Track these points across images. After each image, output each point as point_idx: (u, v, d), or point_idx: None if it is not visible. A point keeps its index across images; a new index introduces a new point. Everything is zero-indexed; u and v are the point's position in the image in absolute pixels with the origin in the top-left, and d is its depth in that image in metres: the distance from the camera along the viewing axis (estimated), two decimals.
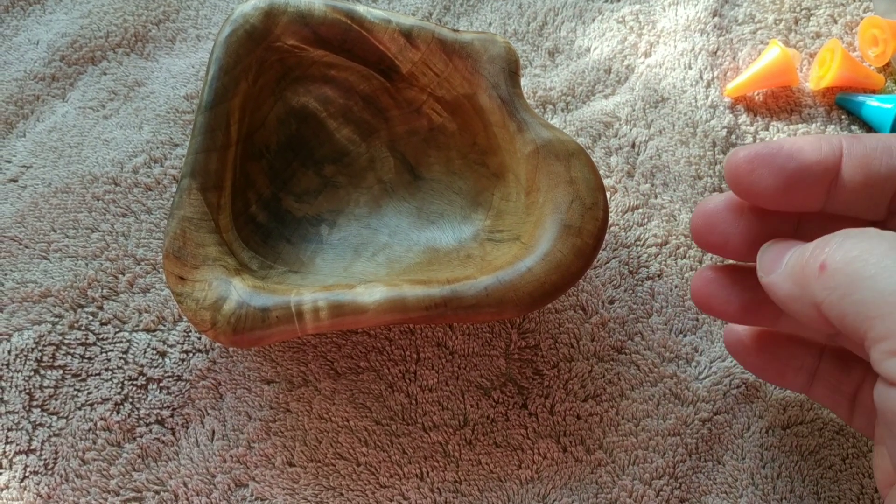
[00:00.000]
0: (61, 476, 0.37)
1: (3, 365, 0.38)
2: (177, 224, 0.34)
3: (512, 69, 0.36)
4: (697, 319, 0.40)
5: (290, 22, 0.37)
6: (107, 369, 0.38)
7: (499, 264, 0.33)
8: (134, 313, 0.40)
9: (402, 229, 0.39)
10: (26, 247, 0.41)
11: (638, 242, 0.41)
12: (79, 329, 0.39)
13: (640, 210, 0.42)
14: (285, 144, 0.40)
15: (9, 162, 0.44)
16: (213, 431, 0.37)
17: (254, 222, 0.38)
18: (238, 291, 0.32)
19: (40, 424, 0.37)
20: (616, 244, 0.41)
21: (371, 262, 0.37)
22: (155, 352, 0.39)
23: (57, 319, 0.39)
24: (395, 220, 0.39)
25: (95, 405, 0.38)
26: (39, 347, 0.39)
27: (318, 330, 0.32)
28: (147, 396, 0.38)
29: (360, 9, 0.37)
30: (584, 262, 0.33)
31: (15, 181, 0.43)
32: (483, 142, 0.38)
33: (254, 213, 0.38)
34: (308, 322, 0.31)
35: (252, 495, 0.36)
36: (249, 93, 0.37)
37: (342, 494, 0.36)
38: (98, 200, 0.42)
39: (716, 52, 0.47)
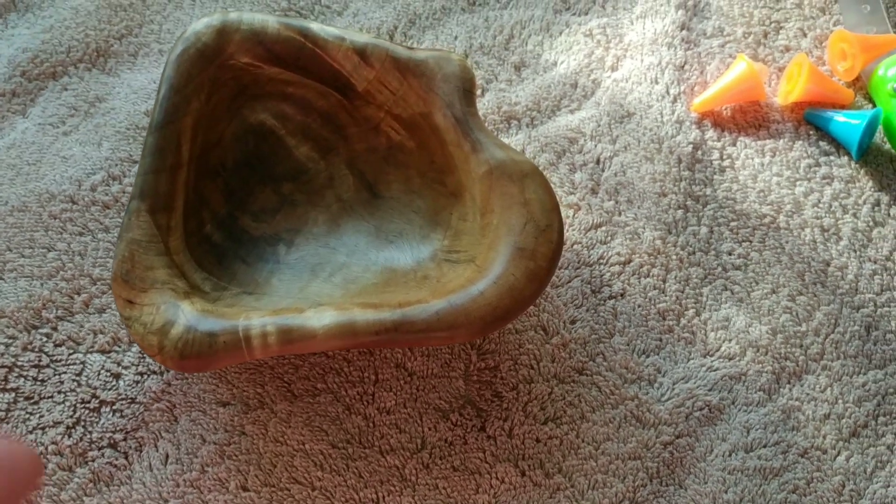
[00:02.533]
0: None
1: None
2: (125, 247, 0.33)
3: (467, 87, 0.36)
4: (661, 340, 0.39)
5: (243, 40, 0.36)
6: (59, 392, 0.38)
7: (452, 287, 0.33)
8: (89, 334, 0.39)
9: (360, 249, 0.38)
10: None
11: (601, 261, 0.41)
12: (32, 351, 0.38)
13: (604, 228, 0.42)
14: (242, 162, 0.39)
15: None
16: (167, 455, 0.37)
17: (208, 242, 0.37)
18: (186, 315, 0.31)
19: None
20: (578, 262, 0.41)
21: (327, 283, 0.37)
22: (109, 373, 0.38)
23: (10, 341, 0.39)
24: (354, 239, 0.39)
25: (47, 429, 0.37)
26: None
27: (266, 355, 0.31)
28: (100, 419, 0.37)
29: (314, 26, 0.37)
30: (537, 286, 0.32)
31: None
32: (440, 160, 0.38)
33: (209, 233, 0.37)
34: (256, 347, 0.31)
35: None
36: (202, 111, 0.36)
37: None
38: (55, 219, 0.42)
39: (683, 66, 0.46)
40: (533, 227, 0.33)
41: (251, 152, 0.39)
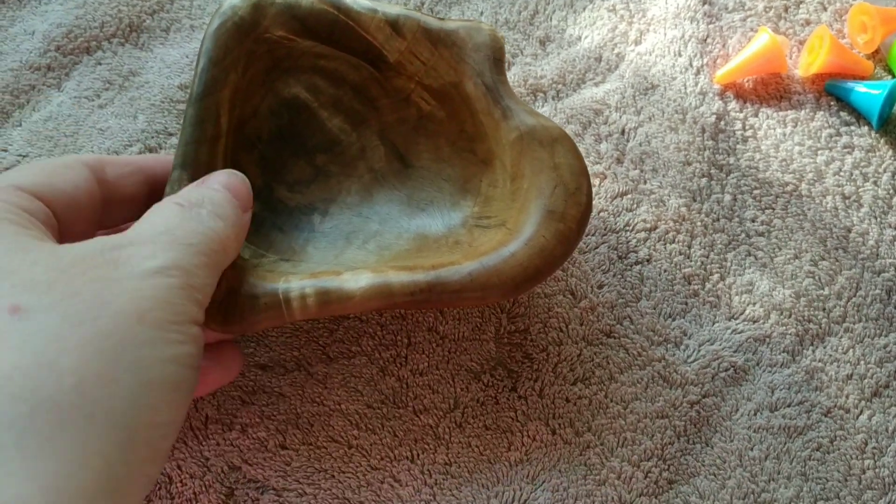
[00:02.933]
0: None
1: None
2: None
3: (497, 56, 0.37)
4: (686, 304, 0.40)
5: (277, 14, 0.37)
6: None
7: (484, 250, 0.34)
8: None
9: (392, 217, 0.39)
10: None
11: (627, 228, 0.42)
12: None
13: (630, 196, 0.43)
14: (277, 135, 0.40)
15: (5, 151, 0.44)
16: (207, 416, 0.38)
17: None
18: (228, 279, 0.32)
19: None
20: (605, 229, 0.42)
21: (361, 250, 0.38)
22: None
23: None
24: (386, 208, 0.39)
25: None
26: None
27: (305, 316, 0.32)
28: None
29: None
30: (567, 247, 0.33)
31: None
32: (471, 129, 0.38)
33: None
34: (296, 309, 0.32)
35: (245, 478, 0.37)
36: (239, 84, 0.37)
37: (334, 476, 0.36)
38: None
39: (705, 40, 0.47)
40: (562, 190, 0.34)
41: (285, 125, 0.40)
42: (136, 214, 0.32)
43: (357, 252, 0.38)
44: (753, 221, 0.42)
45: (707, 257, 0.41)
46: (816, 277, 0.41)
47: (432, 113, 0.39)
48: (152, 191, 0.35)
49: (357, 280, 0.32)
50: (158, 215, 0.29)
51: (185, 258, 0.27)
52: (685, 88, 0.46)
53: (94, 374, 0.23)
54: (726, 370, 0.39)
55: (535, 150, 0.35)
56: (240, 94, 0.37)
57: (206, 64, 0.35)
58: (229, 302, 0.32)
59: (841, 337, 0.40)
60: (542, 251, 0.33)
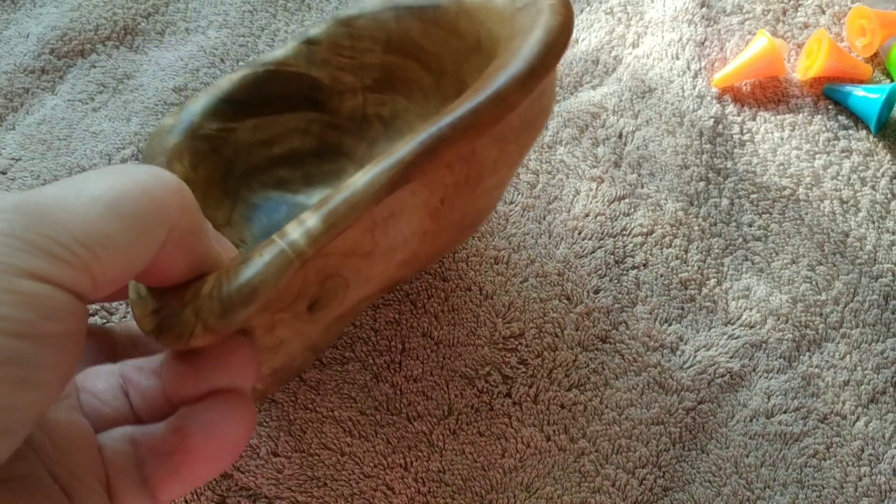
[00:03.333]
0: None
1: None
2: None
3: None
4: (682, 309, 0.40)
5: (206, 108, 0.36)
6: None
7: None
8: (121, 304, 0.40)
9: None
10: None
11: (624, 232, 0.42)
12: None
13: (627, 200, 0.42)
14: (262, 235, 0.37)
15: None
16: None
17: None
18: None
19: None
20: (602, 233, 0.41)
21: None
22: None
23: None
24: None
25: None
26: None
27: (317, 245, 0.24)
28: None
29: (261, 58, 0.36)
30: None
31: (4, 174, 0.43)
32: (435, 48, 0.36)
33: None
34: (301, 243, 0.24)
35: (237, 485, 0.36)
36: (190, 178, 0.34)
37: (326, 484, 0.36)
38: None
39: (703, 43, 0.47)
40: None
41: (266, 226, 0.37)
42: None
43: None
44: (751, 226, 0.42)
45: (704, 262, 0.41)
46: (814, 282, 0.41)
47: (393, 109, 0.38)
48: None
49: (363, 175, 0.25)
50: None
51: (37, 197, 0.21)
52: (683, 92, 0.45)
53: None
54: (722, 376, 0.38)
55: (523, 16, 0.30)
56: (198, 191, 0.35)
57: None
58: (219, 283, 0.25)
59: (838, 343, 0.39)
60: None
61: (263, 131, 0.37)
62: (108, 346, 0.31)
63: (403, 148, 0.25)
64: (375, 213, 0.25)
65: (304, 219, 0.24)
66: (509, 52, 0.28)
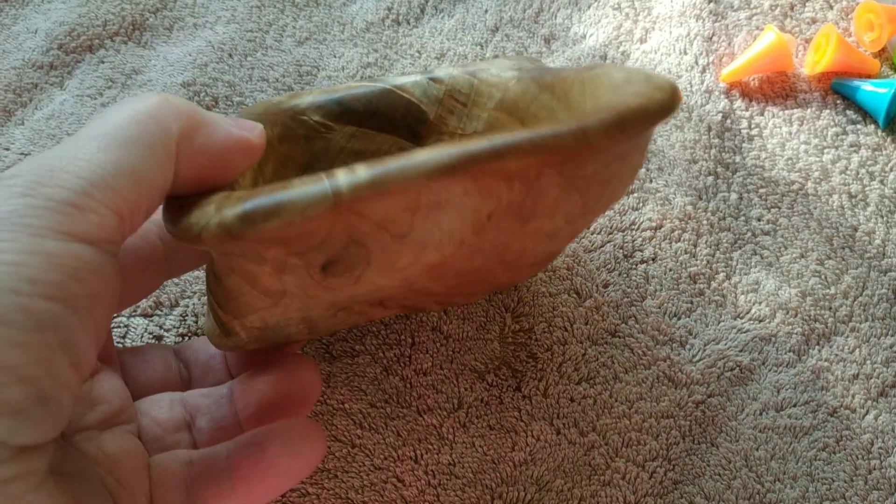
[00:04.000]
0: None
1: None
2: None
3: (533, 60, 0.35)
4: (691, 303, 0.40)
5: (314, 102, 0.36)
6: None
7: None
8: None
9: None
10: None
11: (632, 226, 0.42)
12: None
13: (635, 194, 0.42)
14: None
15: (7, 150, 0.44)
16: None
17: None
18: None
19: None
20: (611, 228, 0.42)
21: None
22: (152, 336, 0.39)
23: None
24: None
25: None
26: None
27: (357, 194, 0.23)
28: None
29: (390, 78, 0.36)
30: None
31: None
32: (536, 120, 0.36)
33: None
34: (344, 187, 0.23)
35: None
36: (272, 141, 0.34)
37: (337, 476, 0.36)
38: None
39: (711, 38, 0.47)
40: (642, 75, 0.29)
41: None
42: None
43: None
44: (759, 220, 0.42)
45: (713, 256, 0.41)
46: (822, 276, 0.41)
47: None
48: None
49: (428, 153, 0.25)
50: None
51: (42, 154, 0.22)
52: (691, 87, 0.45)
53: None
54: (731, 370, 0.38)
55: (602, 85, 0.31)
56: (274, 158, 0.35)
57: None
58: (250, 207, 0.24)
59: (847, 336, 0.40)
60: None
61: (358, 142, 0.37)
62: (172, 368, 0.32)
63: (473, 142, 0.24)
64: (423, 194, 0.25)
65: (355, 168, 0.24)
66: (606, 107, 0.27)
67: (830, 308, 0.40)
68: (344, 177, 0.23)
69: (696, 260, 0.41)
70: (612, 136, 0.25)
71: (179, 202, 0.25)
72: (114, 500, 0.25)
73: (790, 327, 0.40)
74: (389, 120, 0.37)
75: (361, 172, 0.23)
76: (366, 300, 0.31)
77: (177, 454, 0.28)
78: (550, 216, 0.29)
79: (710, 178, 0.43)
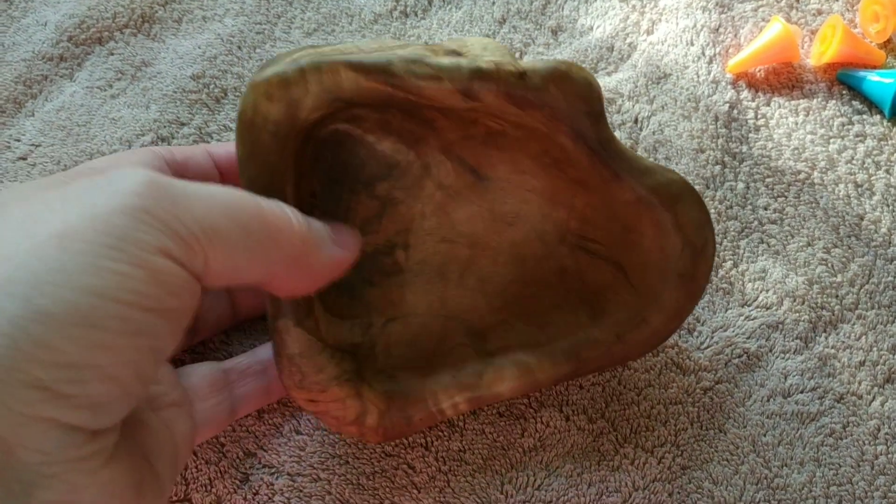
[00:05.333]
0: None
1: None
2: (288, 363, 0.32)
3: (595, 109, 0.31)
4: None
5: (315, 105, 0.30)
6: None
7: (598, 287, 0.35)
8: None
9: (479, 237, 0.36)
10: None
11: None
12: None
13: None
14: (328, 180, 0.35)
15: (18, 140, 0.44)
16: None
17: (335, 286, 0.33)
18: (375, 404, 0.33)
19: None
20: None
21: (464, 290, 0.36)
22: None
23: None
24: (469, 226, 0.36)
25: None
26: None
27: (457, 414, 0.35)
28: None
29: (398, 66, 0.30)
30: (696, 302, 0.34)
31: (24, 159, 0.44)
32: (558, 154, 0.34)
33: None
34: (448, 414, 0.34)
35: (260, 463, 0.37)
36: (297, 168, 0.32)
37: (348, 462, 0.37)
38: None
39: (717, 29, 0.47)
40: (690, 251, 0.33)
41: (332, 165, 0.35)
42: None
43: (461, 294, 0.37)
44: (766, 209, 0.42)
45: (720, 244, 0.41)
46: (829, 265, 0.41)
47: (505, 132, 0.34)
48: (224, 176, 0.34)
49: (502, 380, 0.34)
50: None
51: (170, 182, 0.23)
52: (698, 77, 0.46)
53: None
54: (739, 357, 0.39)
55: (656, 212, 0.32)
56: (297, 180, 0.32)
57: (249, 184, 0.30)
58: (385, 425, 0.33)
59: (853, 324, 0.40)
60: (678, 313, 0.34)
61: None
62: None
63: (543, 375, 0.34)
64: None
65: (456, 402, 0.34)
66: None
67: (837, 296, 0.40)
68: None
69: None
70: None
71: None
72: (167, 468, 0.27)
73: (797, 315, 0.40)
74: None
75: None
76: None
77: (212, 364, 0.34)
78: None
79: (718, 168, 0.43)
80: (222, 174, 0.34)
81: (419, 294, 0.36)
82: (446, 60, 0.30)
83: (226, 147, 0.35)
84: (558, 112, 0.31)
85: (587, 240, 0.35)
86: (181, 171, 0.32)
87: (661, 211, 0.32)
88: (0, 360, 0.19)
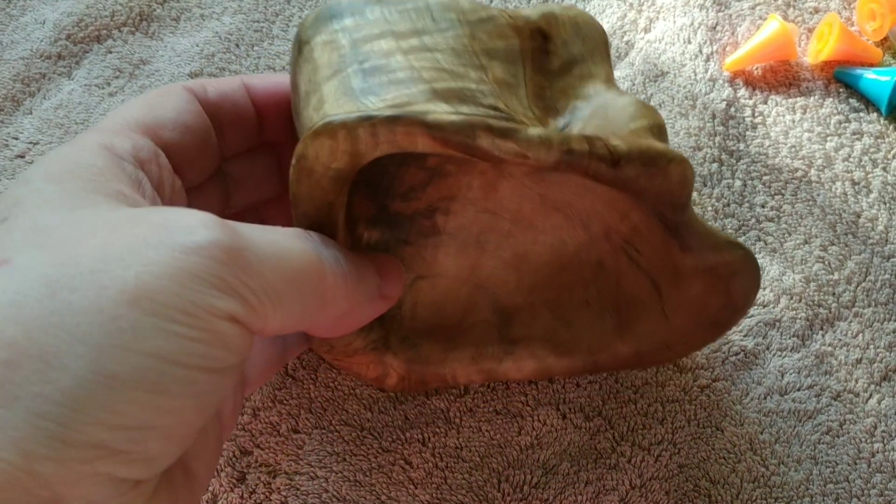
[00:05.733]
0: None
1: None
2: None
3: (682, 203, 0.29)
4: None
5: (382, 153, 0.27)
6: None
7: (631, 298, 0.35)
8: None
9: (524, 215, 0.36)
10: None
11: None
12: None
13: None
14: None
15: (16, 139, 0.44)
16: None
17: (370, 247, 0.33)
18: (395, 370, 0.35)
19: None
20: None
21: (497, 260, 0.36)
22: None
23: None
24: (516, 204, 0.35)
25: None
26: None
27: (469, 384, 0.38)
28: None
29: (484, 140, 0.26)
30: (716, 339, 0.36)
31: (22, 157, 0.44)
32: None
33: (367, 239, 0.34)
34: (461, 382, 0.37)
35: (257, 462, 0.37)
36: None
37: (345, 459, 0.37)
38: None
39: (715, 27, 0.47)
40: (731, 309, 0.34)
41: None
42: (251, 138, 0.33)
43: (493, 265, 0.37)
44: (763, 207, 0.42)
45: None
46: (826, 262, 0.41)
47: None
48: (261, 112, 0.33)
49: (519, 372, 0.36)
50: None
51: (243, 243, 0.23)
52: (695, 75, 0.46)
53: (37, 353, 0.19)
54: (736, 354, 0.39)
55: (711, 280, 0.32)
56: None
57: (302, 218, 0.29)
58: (402, 386, 0.36)
59: (850, 321, 0.40)
60: (701, 347, 0.36)
61: None
62: None
63: (558, 368, 0.37)
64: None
65: (472, 379, 0.37)
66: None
67: (834, 293, 0.41)
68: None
69: None
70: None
71: None
72: (202, 467, 0.27)
73: (794, 312, 0.40)
74: None
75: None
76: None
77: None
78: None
79: (715, 165, 0.43)
80: (259, 111, 0.33)
81: (452, 257, 0.36)
82: (536, 135, 0.26)
83: (264, 81, 0.33)
84: (641, 197, 0.29)
85: (633, 247, 0.34)
86: (215, 112, 0.31)
87: (715, 279, 0.32)
88: (64, 421, 0.19)
